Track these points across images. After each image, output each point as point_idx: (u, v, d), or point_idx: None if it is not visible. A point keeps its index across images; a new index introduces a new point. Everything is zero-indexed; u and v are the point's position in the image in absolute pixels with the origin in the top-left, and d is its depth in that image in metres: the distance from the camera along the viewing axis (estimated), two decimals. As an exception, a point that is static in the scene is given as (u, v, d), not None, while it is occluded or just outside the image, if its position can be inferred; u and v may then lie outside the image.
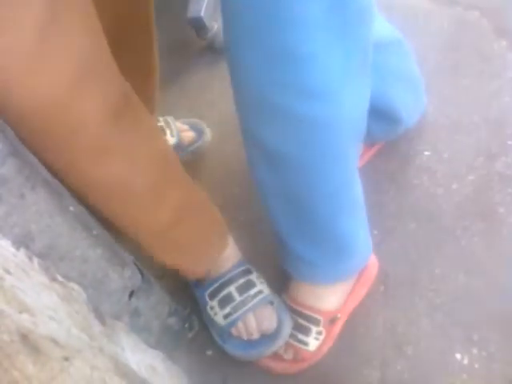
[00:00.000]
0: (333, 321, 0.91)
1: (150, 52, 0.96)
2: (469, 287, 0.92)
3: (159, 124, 1.12)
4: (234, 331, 0.90)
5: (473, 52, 1.17)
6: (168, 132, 1.12)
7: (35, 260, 0.60)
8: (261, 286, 0.90)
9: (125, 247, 0.78)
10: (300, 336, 0.90)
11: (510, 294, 0.90)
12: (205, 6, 1.24)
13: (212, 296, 0.91)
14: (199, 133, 1.17)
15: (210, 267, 0.92)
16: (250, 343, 0.89)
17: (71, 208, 0.66)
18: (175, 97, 1.26)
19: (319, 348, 0.90)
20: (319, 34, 0.62)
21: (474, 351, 0.87)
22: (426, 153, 1.07)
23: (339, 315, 0.91)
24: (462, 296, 0.92)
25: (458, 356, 0.87)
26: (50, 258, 0.63)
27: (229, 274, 0.91)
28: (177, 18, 1.30)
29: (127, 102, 0.69)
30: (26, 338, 0.45)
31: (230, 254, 0.92)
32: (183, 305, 0.95)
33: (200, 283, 0.94)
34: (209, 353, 0.95)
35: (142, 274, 0.81)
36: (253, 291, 0.89)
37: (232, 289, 0.90)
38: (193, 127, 1.17)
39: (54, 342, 0.49)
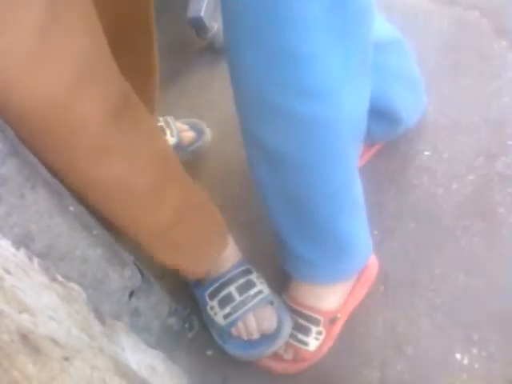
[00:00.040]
0: (333, 321, 0.91)
1: (150, 52, 0.96)
2: (469, 287, 0.92)
3: (159, 124, 1.12)
4: (234, 331, 0.90)
5: (473, 52, 1.17)
6: (168, 132, 1.12)
7: (35, 260, 0.60)
8: (261, 286, 0.90)
9: (125, 247, 0.78)
10: (300, 336, 0.90)
11: (510, 293, 0.90)
12: (205, 5, 1.24)
13: (212, 296, 0.91)
14: (199, 133, 1.17)
15: (210, 267, 0.91)
16: (250, 343, 0.89)
17: (71, 208, 0.66)
18: (175, 97, 1.26)
19: (319, 348, 0.90)
20: (319, 33, 0.62)
21: (474, 351, 0.87)
22: (426, 153, 1.07)
23: (339, 315, 0.91)
24: (462, 296, 0.92)
25: (458, 356, 0.87)
26: (50, 258, 0.63)
27: (229, 274, 0.91)
28: (177, 18, 1.30)
29: (127, 102, 0.69)
30: (26, 338, 0.45)
31: (230, 254, 0.92)
32: (183, 305, 0.95)
33: (200, 283, 0.94)
34: (209, 353, 0.95)
35: (142, 273, 0.81)
36: (253, 291, 0.89)
37: (232, 289, 0.90)
38: (193, 127, 1.17)
39: (54, 342, 0.49)
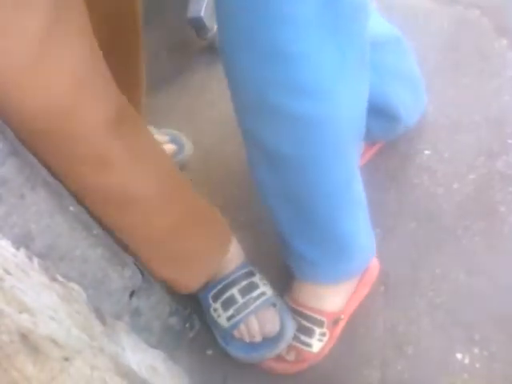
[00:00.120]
0: (336, 322, 0.90)
1: (137, 58, 0.94)
2: (470, 287, 0.92)
3: None
4: (236, 334, 0.89)
5: (473, 51, 1.17)
6: None
7: (35, 260, 0.60)
8: (264, 288, 0.90)
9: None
10: (303, 337, 0.89)
11: (511, 293, 0.90)
12: (205, 5, 1.24)
13: (215, 298, 0.90)
14: (180, 146, 1.13)
15: (208, 279, 0.90)
16: (253, 346, 0.88)
17: (71, 208, 0.66)
18: (175, 97, 1.26)
19: (322, 349, 0.90)
20: (310, 31, 0.62)
21: (475, 351, 0.87)
22: (427, 152, 1.06)
23: (342, 316, 0.91)
24: (463, 295, 0.91)
25: (459, 356, 0.87)
26: (50, 258, 0.63)
27: (232, 276, 0.90)
28: (177, 18, 1.30)
29: (126, 113, 0.70)
30: (25, 338, 0.45)
31: (234, 256, 0.91)
32: (184, 304, 0.95)
33: (203, 285, 0.93)
34: (209, 352, 0.94)
35: (142, 273, 0.81)
36: (255, 293, 0.89)
37: (235, 291, 0.89)
38: (173, 140, 1.13)
39: (54, 342, 0.49)
